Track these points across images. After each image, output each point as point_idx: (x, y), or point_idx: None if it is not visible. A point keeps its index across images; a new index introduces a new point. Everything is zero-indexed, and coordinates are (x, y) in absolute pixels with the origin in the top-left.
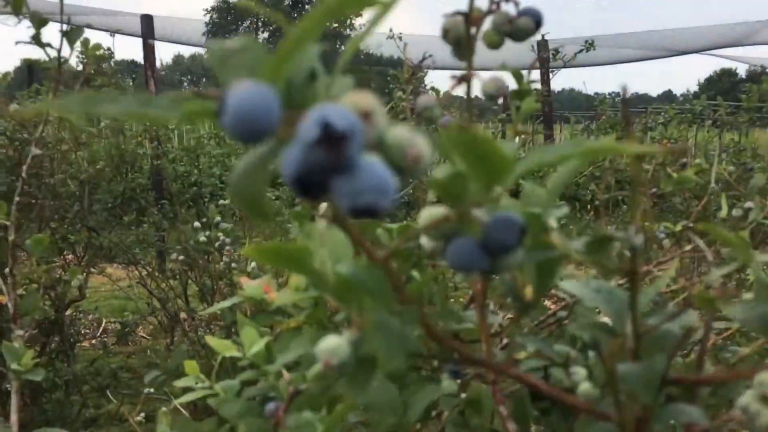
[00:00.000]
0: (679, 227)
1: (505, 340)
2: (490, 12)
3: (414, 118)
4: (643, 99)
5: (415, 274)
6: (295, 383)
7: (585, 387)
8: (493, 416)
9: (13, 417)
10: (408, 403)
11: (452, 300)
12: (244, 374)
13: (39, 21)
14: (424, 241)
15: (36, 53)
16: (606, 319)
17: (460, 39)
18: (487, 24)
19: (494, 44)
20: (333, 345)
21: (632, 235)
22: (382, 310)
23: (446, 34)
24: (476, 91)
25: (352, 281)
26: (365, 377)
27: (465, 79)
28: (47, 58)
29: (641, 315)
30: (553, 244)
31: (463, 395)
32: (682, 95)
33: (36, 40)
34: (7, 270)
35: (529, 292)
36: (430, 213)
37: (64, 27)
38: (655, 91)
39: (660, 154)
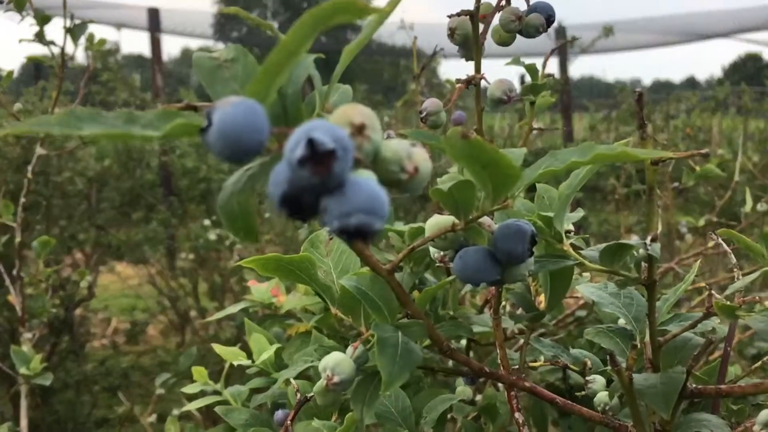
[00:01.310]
0: (701, 222)
1: (521, 341)
2: (498, 8)
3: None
4: (665, 86)
5: (428, 276)
6: (303, 391)
7: (602, 396)
8: (509, 422)
9: (23, 422)
10: (421, 411)
11: (468, 302)
12: (253, 381)
13: (42, 18)
14: (432, 249)
15: (42, 50)
16: (623, 323)
17: (466, 39)
18: (495, 21)
19: (504, 42)
20: (336, 361)
21: (649, 245)
22: (386, 324)
23: (452, 33)
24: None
25: (356, 295)
26: (371, 394)
27: (472, 81)
28: (51, 56)
29: (662, 320)
30: (567, 253)
31: (478, 397)
32: (706, 81)
33: (39, 37)
34: (14, 272)
35: (542, 300)
36: (436, 221)
37: (68, 23)
38: (677, 78)
39: (677, 158)
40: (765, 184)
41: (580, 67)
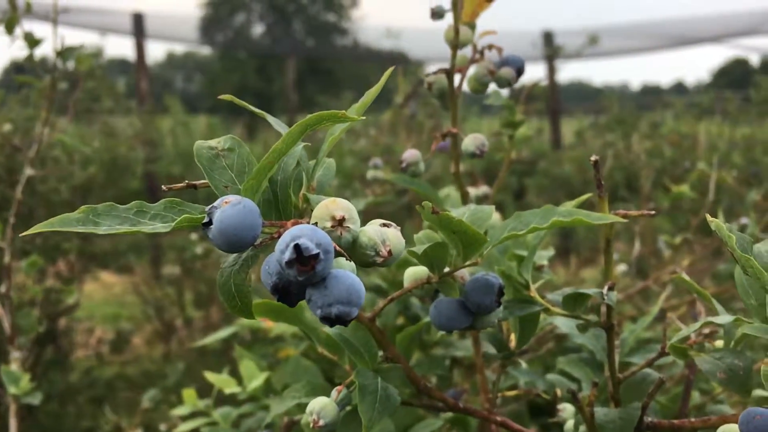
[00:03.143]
0: (678, 240)
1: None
2: (473, 61)
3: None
4: (653, 90)
5: (414, 301)
6: (290, 414)
7: (569, 426)
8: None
9: None
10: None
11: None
12: (243, 408)
13: (32, 41)
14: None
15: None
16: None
17: (443, 92)
18: (471, 70)
19: (478, 91)
20: (321, 406)
21: (606, 294)
22: (367, 371)
23: (430, 87)
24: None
25: (338, 342)
26: (353, 430)
27: (449, 135)
28: (38, 75)
29: (629, 351)
30: (533, 299)
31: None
32: (694, 86)
33: (29, 60)
34: (2, 290)
35: (513, 339)
36: (413, 273)
37: (58, 45)
38: (666, 82)
39: (630, 216)
40: (742, 194)
41: (569, 72)
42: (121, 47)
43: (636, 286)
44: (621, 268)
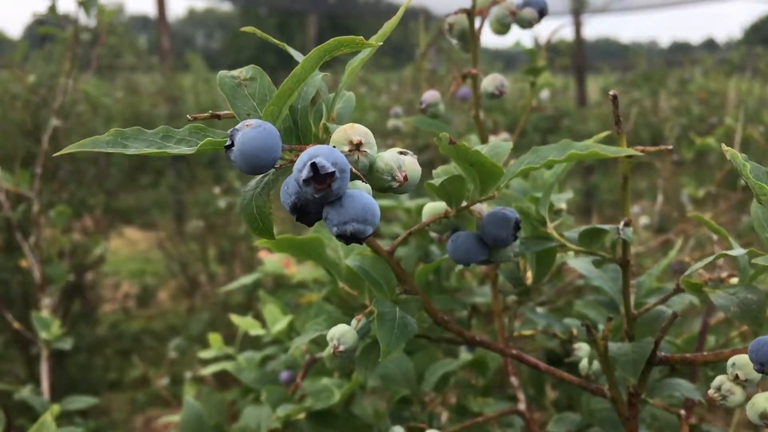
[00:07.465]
0: (701, 193)
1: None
2: (495, 2)
3: (420, 112)
4: (682, 47)
5: (434, 248)
6: (311, 352)
7: (584, 364)
8: (499, 375)
9: (44, 384)
10: (423, 373)
11: (471, 274)
12: (267, 350)
13: None
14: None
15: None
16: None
17: (464, 33)
18: (492, 13)
19: (500, 33)
20: (341, 332)
21: (622, 229)
22: (385, 300)
23: (450, 28)
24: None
25: (359, 273)
26: (372, 360)
27: (469, 76)
28: (60, 27)
29: (645, 293)
30: (550, 235)
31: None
32: (725, 43)
33: (52, 10)
34: (32, 240)
35: (529, 276)
36: (431, 208)
37: None
38: (696, 39)
39: (647, 152)
40: None
41: (596, 28)
42: (143, 3)
43: (658, 239)
44: (643, 220)
